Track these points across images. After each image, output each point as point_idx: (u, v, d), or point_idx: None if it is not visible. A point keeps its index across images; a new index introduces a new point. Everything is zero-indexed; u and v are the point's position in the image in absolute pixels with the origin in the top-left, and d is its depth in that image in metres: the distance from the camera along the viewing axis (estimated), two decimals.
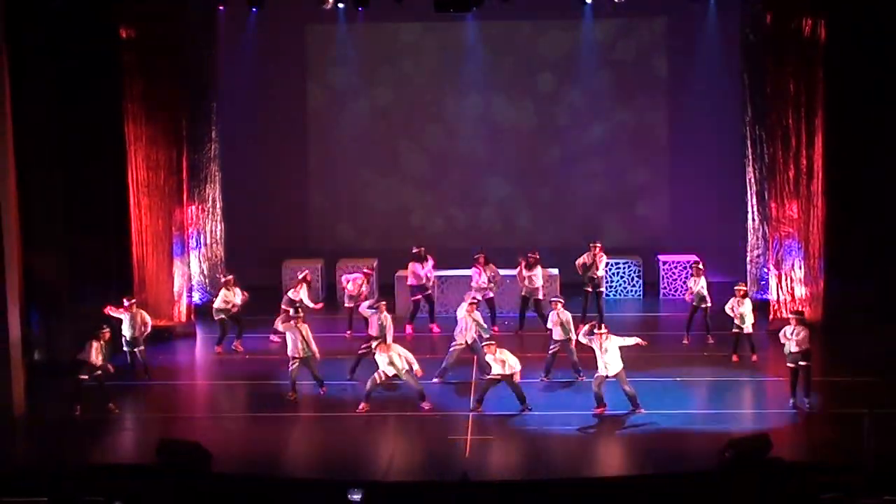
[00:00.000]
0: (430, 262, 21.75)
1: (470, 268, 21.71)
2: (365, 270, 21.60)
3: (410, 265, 21.73)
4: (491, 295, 21.41)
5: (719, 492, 14.40)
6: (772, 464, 14.83)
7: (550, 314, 18.80)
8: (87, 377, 17.57)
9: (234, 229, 24.16)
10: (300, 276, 21.32)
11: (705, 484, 14.61)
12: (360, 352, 18.82)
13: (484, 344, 17.63)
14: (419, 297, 21.66)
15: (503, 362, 17.24)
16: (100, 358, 17.65)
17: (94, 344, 17.62)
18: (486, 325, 19.18)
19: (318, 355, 18.19)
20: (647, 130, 25.43)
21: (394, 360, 17.33)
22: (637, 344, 17.42)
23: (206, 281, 23.29)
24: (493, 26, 25.07)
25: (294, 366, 18.05)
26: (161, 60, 21.17)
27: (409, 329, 21.41)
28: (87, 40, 20.28)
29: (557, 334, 18.58)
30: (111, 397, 17.80)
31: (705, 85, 24.60)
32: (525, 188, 25.62)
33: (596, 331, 17.30)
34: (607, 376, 17.16)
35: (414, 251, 21.70)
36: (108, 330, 17.96)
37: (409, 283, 21.84)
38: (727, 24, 23.46)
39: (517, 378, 17.29)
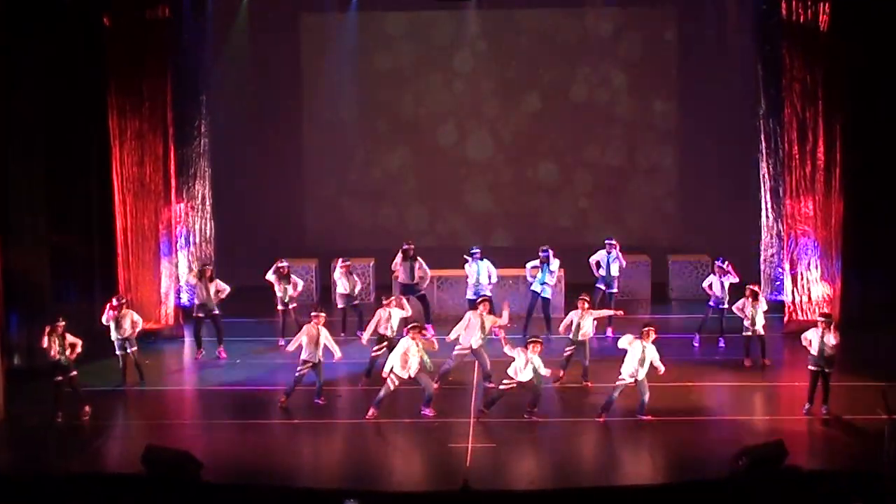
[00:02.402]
0: (420, 261, 21.63)
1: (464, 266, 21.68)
2: (342, 263, 21.60)
3: (399, 262, 21.67)
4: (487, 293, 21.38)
5: (733, 502, 14.40)
6: (788, 472, 14.82)
7: (572, 313, 18.72)
8: (61, 378, 17.49)
9: (224, 227, 24.13)
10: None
11: (718, 493, 14.60)
12: (372, 354, 18.84)
13: (530, 341, 17.15)
14: (408, 297, 21.60)
15: (534, 368, 17.05)
16: (56, 351, 17.41)
17: (47, 338, 17.38)
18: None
19: (339, 354, 18.05)
20: (657, 123, 25.46)
21: (411, 351, 17.18)
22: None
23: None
24: (495, 14, 25.11)
25: (303, 371, 17.99)
26: (147, 50, 21.19)
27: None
28: (70, 29, 20.29)
29: (579, 335, 18.53)
30: (86, 400, 17.74)
31: (717, 76, 24.64)
32: (528, 185, 25.63)
33: (644, 328, 17.18)
34: (636, 381, 17.13)
35: (404, 247, 21.63)
36: (62, 322, 17.58)
37: (398, 280, 21.82)
38: (740, 13, 23.46)
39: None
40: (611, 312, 19.92)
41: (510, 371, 17.09)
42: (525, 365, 16.96)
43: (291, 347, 18.13)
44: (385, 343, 18.65)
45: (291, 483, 15.47)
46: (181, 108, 22.18)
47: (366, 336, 19.12)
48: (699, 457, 16.05)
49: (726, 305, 20.38)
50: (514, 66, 25.41)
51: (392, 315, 18.80)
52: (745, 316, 19.43)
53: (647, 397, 17.16)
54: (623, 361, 17.17)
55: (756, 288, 19.71)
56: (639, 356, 17.02)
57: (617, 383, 17.21)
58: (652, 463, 15.95)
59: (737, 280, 20.45)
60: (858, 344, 19.95)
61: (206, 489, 14.76)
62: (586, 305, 18.63)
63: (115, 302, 19.12)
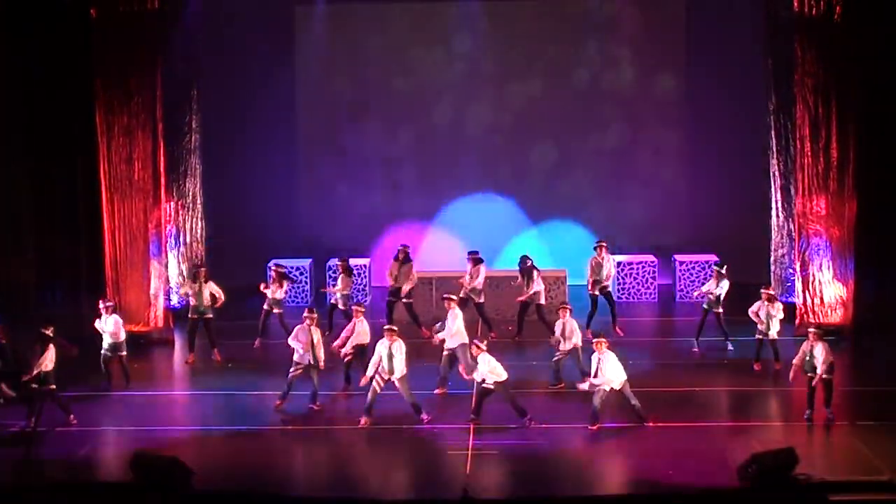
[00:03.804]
0: (412, 266, 21.64)
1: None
2: (337, 262, 21.61)
3: (391, 265, 21.71)
4: (482, 300, 21.36)
5: None
6: (798, 481, 14.80)
7: (557, 322, 18.77)
8: (37, 386, 17.40)
9: (215, 227, 24.13)
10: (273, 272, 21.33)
11: (726, 502, 14.60)
12: (345, 359, 18.79)
13: (473, 343, 17.39)
14: (394, 300, 21.63)
15: (491, 370, 17.13)
16: (50, 363, 17.34)
17: (42, 347, 17.35)
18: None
19: (322, 365, 18.09)
20: (663, 120, 25.42)
21: (394, 352, 17.20)
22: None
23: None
24: (496, 3, 25.08)
25: (296, 373, 17.99)
26: (136, 43, 21.15)
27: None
28: (55, 21, 20.26)
29: (563, 344, 18.58)
30: (70, 409, 17.68)
31: (726, 71, 24.58)
32: (531, 182, 25.60)
33: (594, 339, 17.29)
34: (611, 389, 17.12)
35: (399, 248, 21.71)
36: (51, 327, 17.54)
37: (392, 285, 21.80)
38: (751, 5, 23.43)
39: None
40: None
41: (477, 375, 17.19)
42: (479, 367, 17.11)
43: (292, 343, 18.15)
44: (353, 349, 18.58)
45: (285, 491, 15.47)
46: (171, 103, 22.15)
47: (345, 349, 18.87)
48: (707, 464, 16.01)
49: (721, 309, 20.38)
50: (521, 66, 25.32)
51: (363, 325, 18.67)
52: (760, 320, 19.39)
53: (635, 402, 17.13)
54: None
55: (772, 291, 19.72)
56: (603, 368, 17.05)
57: (595, 390, 17.22)
58: (658, 470, 15.91)
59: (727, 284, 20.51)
60: (872, 347, 19.92)
61: (197, 497, 14.77)
62: (567, 314, 18.63)
63: (102, 305, 19.09)
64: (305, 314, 18.14)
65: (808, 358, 17.37)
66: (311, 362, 17.92)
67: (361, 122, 25.65)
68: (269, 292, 20.99)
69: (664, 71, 25.30)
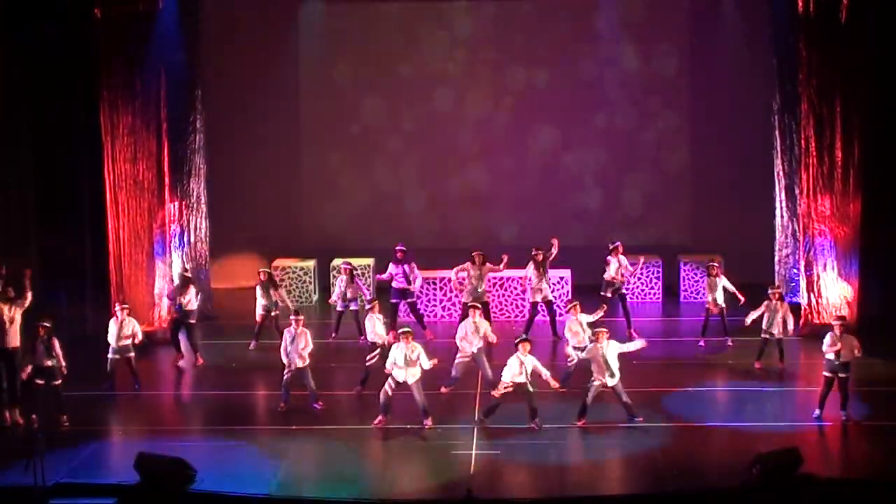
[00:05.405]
0: (412, 265, 21.64)
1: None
2: (343, 265, 21.62)
3: (390, 265, 21.74)
4: (486, 299, 21.36)
5: None
6: (803, 480, 14.82)
7: (568, 318, 18.70)
8: (42, 382, 17.44)
9: (220, 227, 24.13)
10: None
11: (731, 502, 14.62)
12: (367, 363, 18.73)
13: (519, 341, 17.17)
14: (398, 301, 21.66)
15: (522, 365, 17.04)
16: (48, 359, 17.36)
17: (39, 344, 17.36)
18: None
19: (298, 364, 18.09)
20: (667, 120, 25.37)
21: (409, 356, 17.13)
22: (640, 348, 17.59)
23: None
24: (499, 4, 25.09)
25: (287, 375, 18.03)
26: (140, 43, 21.16)
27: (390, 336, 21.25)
28: (60, 21, 20.28)
29: (575, 341, 18.54)
30: (66, 408, 17.65)
31: (731, 69, 24.55)
32: (533, 183, 25.56)
33: (596, 329, 17.33)
34: (606, 385, 17.14)
35: (395, 249, 21.73)
36: (42, 323, 17.56)
37: (393, 286, 21.81)
38: (755, 3, 23.41)
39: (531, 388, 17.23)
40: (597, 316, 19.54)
41: (505, 376, 17.10)
42: (520, 368, 16.99)
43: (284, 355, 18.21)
44: (378, 351, 18.58)
45: (289, 492, 15.47)
46: (175, 102, 22.15)
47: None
48: (711, 464, 16.02)
49: (724, 305, 20.43)
50: (524, 66, 25.22)
51: (376, 322, 18.71)
52: (775, 321, 19.38)
53: (626, 398, 17.15)
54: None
55: (779, 291, 19.76)
56: (601, 360, 17.06)
57: (588, 385, 17.24)
58: (663, 471, 15.91)
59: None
60: (877, 347, 19.91)
61: (200, 498, 14.79)
62: (578, 310, 18.62)
63: (117, 307, 19.10)
64: (292, 316, 18.17)
65: (829, 352, 17.24)
66: (298, 364, 17.94)
67: (366, 120, 25.60)
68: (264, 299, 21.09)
69: (670, 76, 25.24)
